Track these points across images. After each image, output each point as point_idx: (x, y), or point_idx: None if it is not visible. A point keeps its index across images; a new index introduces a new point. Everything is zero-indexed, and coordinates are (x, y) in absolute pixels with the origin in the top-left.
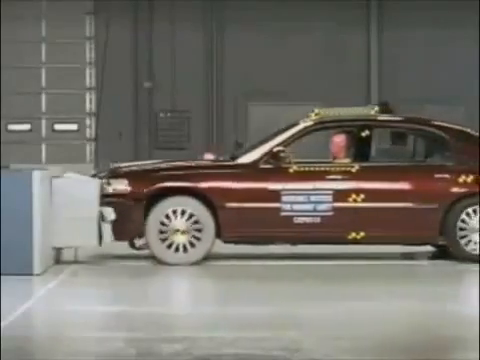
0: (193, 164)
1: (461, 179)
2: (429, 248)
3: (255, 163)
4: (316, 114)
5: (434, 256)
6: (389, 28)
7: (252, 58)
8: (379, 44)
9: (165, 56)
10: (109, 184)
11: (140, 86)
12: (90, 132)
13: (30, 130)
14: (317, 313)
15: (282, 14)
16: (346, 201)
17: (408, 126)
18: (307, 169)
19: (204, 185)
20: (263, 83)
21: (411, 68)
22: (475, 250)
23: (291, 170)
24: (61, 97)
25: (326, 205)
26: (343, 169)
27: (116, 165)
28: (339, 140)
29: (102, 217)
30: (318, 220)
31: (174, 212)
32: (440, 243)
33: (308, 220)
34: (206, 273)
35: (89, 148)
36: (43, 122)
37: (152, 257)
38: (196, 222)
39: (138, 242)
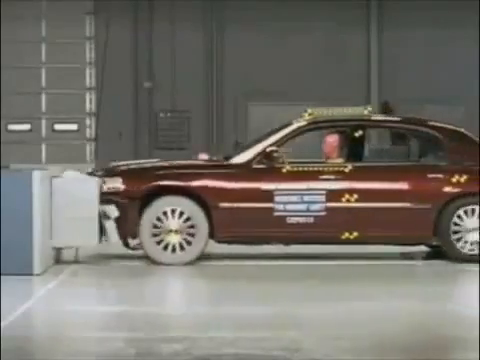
0: (187, 164)
1: (454, 179)
2: (429, 248)
3: (248, 163)
4: (309, 114)
5: (428, 256)
6: (389, 28)
7: (252, 58)
8: (379, 44)
9: (165, 56)
10: (104, 182)
11: (140, 86)
12: (90, 132)
13: (30, 130)
14: (316, 313)
15: (282, 14)
16: (339, 201)
17: (401, 126)
18: (300, 169)
19: (198, 185)
20: (263, 83)
21: (411, 68)
22: (469, 250)
23: (284, 170)
24: (61, 97)
25: (319, 205)
26: (336, 169)
27: (114, 164)
28: (332, 140)
29: (104, 215)
30: (311, 220)
31: (166, 213)
32: (434, 243)
33: (301, 220)
34: (201, 273)
35: (89, 148)
36: (43, 122)
37: (146, 257)
38: (189, 220)
39: (132, 242)
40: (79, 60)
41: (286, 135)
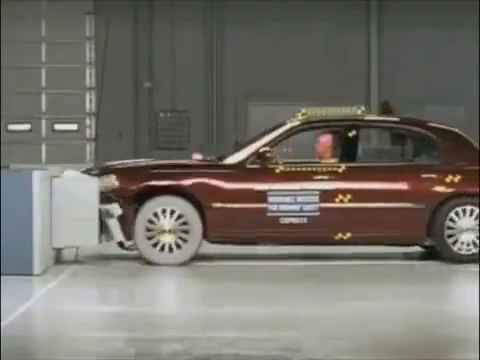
0: (181, 163)
1: (448, 179)
2: (423, 249)
3: (242, 163)
4: (303, 114)
5: (422, 257)
6: (389, 28)
7: (252, 58)
8: (379, 44)
9: (165, 56)
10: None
11: (140, 86)
12: (90, 132)
13: (30, 130)
14: (315, 313)
15: (282, 14)
16: (333, 201)
17: (395, 126)
18: (293, 169)
19: (192, 185)
20: (263, 83)
21: (411, 68)
22: (462, 250)
23: (278, 170)
24: (61, 97)
25: (313, 205)
26: (330, 169)
27: (109, 163)
28: (325, 140)
29: (107, 213)
30: (305, 220)
31: (158, 213)
32: (427, 244)
33: (295, 220)
34: (201, 273)
35: (89, 148)
36: (43, 122)
37: (141, 257)
38: (180, 217)
39: (127, 242)
40: (79, 60)
41: (280, 135)
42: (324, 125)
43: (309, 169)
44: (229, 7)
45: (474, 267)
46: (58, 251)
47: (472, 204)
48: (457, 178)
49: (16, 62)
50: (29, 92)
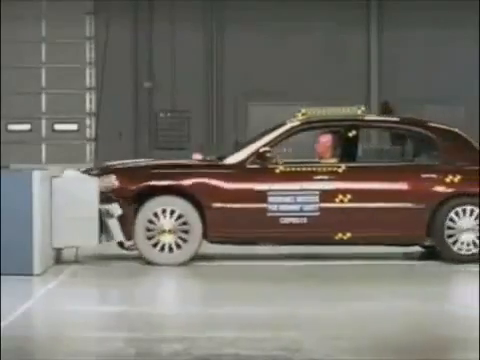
0: (181, 163)
1: (448, 179)
2: (423, 249)
3: (242, 163)
4: (303, 114)
5: (422, 257)
6: (389, 28)
7: (252, 58)
8: (379, 44)
9: (165, 56)
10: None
11: (140, 86)
12: (90, 132)
13: (30, 130)
14: (315, 313)
15: (282, 14)
16: (333, 201)
17: (395, 126)
18: (293, 169)
19: (192, 185)
20: (263, 83)
21: (411, 68)
22: (462, 250)
23: (278, 170)
24: (61, 97)
25: (313, 206)
26: (330, 169)
27: (109, 163)
28: (325, 140)
29: (107, 213)
30: (305, 220)
31: (158, 213)
32: (427, 244)
33: (295, 220)
34: (202, 273)
35: (89, 148)
36: (43, 122)
37: (141, 258)
38: (180, 217)
39: (127, 242)
40: (79, 60)
41: (280, 135)
42: (324, 125)
43: (309, 169)
44: (229, 7)
45: (474, 267)
46: (58, 251)
47: (472, 204)
48: (457, 178)
49: (16, 62)
50: (29, 92)
